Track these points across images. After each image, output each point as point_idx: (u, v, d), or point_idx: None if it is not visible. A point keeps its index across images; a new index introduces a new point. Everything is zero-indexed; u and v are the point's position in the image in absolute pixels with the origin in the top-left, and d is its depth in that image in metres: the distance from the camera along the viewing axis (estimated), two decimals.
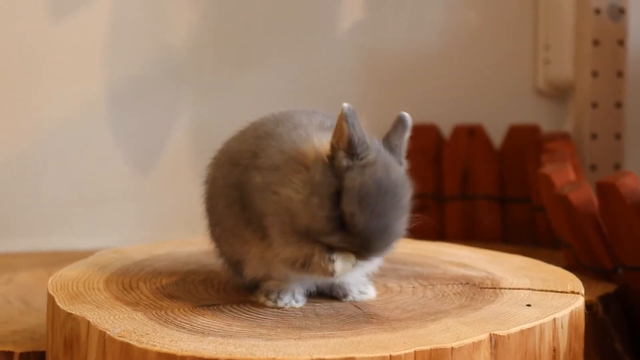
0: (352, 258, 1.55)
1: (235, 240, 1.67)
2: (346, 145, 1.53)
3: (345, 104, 1.54)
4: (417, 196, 3.02)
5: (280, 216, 1.57)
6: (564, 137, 2.86)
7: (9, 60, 2.84)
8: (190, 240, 2.06)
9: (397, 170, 1.57)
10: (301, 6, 3.03)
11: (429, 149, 3.01)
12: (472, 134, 2.99)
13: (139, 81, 2.94)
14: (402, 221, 1.56)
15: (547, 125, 3.09)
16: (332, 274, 1.55)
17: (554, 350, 1.60)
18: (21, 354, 1.82)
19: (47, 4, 2.85)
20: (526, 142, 2.94)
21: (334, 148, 1.55)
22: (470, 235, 2.94)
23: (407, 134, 1.59)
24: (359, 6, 3.08)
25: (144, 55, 2.95)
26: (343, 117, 1.52)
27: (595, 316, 2.17)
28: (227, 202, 1.67)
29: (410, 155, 2.95)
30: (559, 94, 3.15)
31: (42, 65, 2.87)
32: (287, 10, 3.02)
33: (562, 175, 2.45)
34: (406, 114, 1.59)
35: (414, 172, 2.98)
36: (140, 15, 2.92)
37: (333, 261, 1.55)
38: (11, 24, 2.84)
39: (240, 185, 1.64)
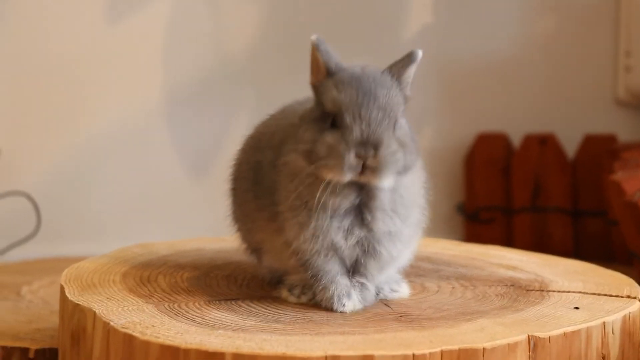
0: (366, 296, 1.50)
1: (252, 226, 1.58)
2: (324, 74, 1.47)
3: (313, 36, 1.49)
4: (485, 208, 2.92)
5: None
6: None
7: (67, 64, 2.79)
8: (222, 237, 1.95)
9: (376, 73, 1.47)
10: (365, 10, 2.91)
11: (498, 159, 2.86)
12: (543, 143, 2.83)
13: (197, 86, 2.86)
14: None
15: (625, 136, 2.91)
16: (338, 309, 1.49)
17: (603, 358, 1.44)
18: (36, 351, 1.75)
19: (105, 7, 2.79)
20: (602, 152, 2.77)
21: (315, 88, 1.49)
22: (540, 250, 2.72)
23: (413, 67, 1.47)
24: (428, 11, 2.95)
25: (202, 59, 2.87)
26: (315, 48, 1.47)
27: None
28: (247, 185, 1.57)
29: (479, 165, 2.86)
30: (639, 103, 2.96)
31: (99, 69, 2.81)
32: (350, 14, 2.91)
33: (633, 182, 2.28)
34: (419, 51, 1.48)
35: (482, 182, 2.87)
36: (200, 19, 2.85)
37: (345, 298, 1.49)
38: (69, 28, 2.78)
39: (257, 166, 1.54)
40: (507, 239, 2.83)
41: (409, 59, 1.47)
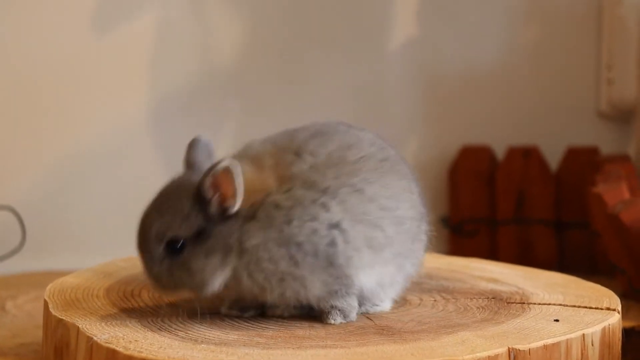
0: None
1: None
2: None
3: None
4: (469, 220, 2.93)
5: None
6: (623, 158, 2.69)
7: (52, 76, 2.79)
8: None
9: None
10: (351, 20, 2.93)
11: (482, 171, 2.88)
12: (527, 155, 2.84)
13: (183, 97, 2.86)
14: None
15: (607, 148, 2.93)
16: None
17: None
18: None
19: (91, 18, 2.80)
20: (584, 164, 2.78)
21: None
22: (524, 262, 2.74)
23: (208, 179, 1.50)
24: (412, 22, 2.97)
25: (188, 70, 2.87)
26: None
27: None
28: None
29: (463, 178, 2.87)
30: (621, 115, 2.98)
31: (84, 81, 2.81)
32: (336, 25, 2.92)
33: (615, 194, 2.30)
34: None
35: (466, 194, 2.88)
36: (186, 30, 2.85)
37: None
38: (55, 40, 2.79)
39: None
40: (492, 250, 2.84)
41: (205, 172, 1.50)
